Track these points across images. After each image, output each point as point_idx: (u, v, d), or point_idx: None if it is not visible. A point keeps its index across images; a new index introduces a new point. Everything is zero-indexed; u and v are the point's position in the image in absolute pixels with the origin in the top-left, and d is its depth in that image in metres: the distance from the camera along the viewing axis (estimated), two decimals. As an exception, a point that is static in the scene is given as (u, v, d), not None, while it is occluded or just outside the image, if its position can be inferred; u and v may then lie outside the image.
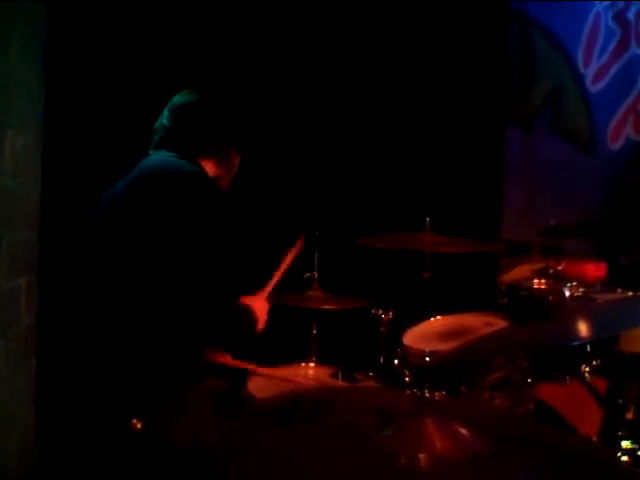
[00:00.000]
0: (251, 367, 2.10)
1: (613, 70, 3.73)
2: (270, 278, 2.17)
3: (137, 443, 1.66)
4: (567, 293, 2.17)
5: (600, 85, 3.74)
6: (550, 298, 2.26)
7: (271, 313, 2.00)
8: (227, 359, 2.14)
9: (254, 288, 2.07)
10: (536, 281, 2.43)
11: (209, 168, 2.02)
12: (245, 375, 2.04)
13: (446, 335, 2.11)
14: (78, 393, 1.81)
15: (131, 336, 1.77)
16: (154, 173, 1.86)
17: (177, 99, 2.06)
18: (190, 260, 1.74)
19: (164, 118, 2.04)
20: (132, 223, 1.79)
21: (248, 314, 1.90)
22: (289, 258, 2.26)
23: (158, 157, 1.95)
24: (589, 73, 3.75)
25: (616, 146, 3.73)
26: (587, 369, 1.76)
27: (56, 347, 1.98)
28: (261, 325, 1.94)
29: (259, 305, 1.96)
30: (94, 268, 1.85)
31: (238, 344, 1.97)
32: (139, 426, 1.65)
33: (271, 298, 2.07)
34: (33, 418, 2.12)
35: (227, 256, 1.83)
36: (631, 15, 3.74)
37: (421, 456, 0.93)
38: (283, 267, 2.23)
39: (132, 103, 2.63)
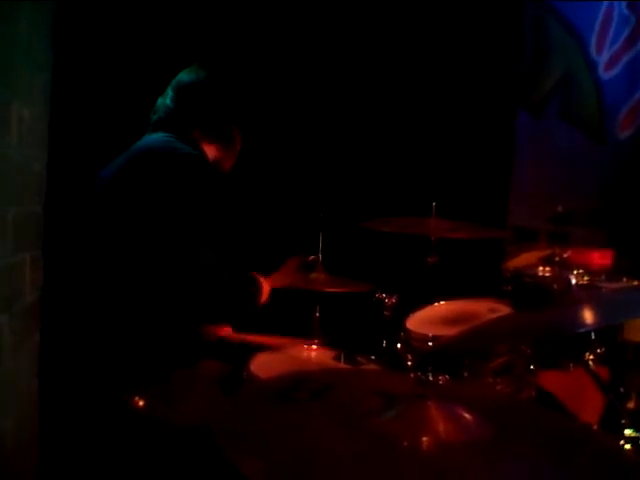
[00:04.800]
0: (253, 338, 2.11)
1: (626, 58, 3.69)
2: (274, 264, 2.17)
3: (138, 420, 1.67)
4: (572, 281, 2.16)
5: (612, 72, 3.70)
6: (555, 286, 2.25)
7: (274, 294, 2.01)
8: (228, 332, 2.15)
9: (260, 266, 2.07)
10: (541, 268, 2.42)
11: (211, 151, 2.00)
12: (246, 356, 2.04)
13: (449, 320, 2.11)
14: (81, 370, 1.81)
15: (134, 314, 1.78)
16: (152, 154, 1.85)
17: (182, 78, 2.01)
18: (186, 243, 1.74)
19: (167, 98, 1.99)
20: (129, 204, 1.79)
21: (254, 281, 1.93)
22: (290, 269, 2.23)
23: (156, 138, 1.92)
24: (601, 60, 3.71)
25: (627, 134, 3.70)
26: (591, 357, 1.76)
27: (60, 323, 1.98)
28: (264, 298, 1.95)
29: (263, 280, 1.98)
30: (95, 246, 1.85)
31: (241, 313, 1.97)
32: (141, 404, 1.65)
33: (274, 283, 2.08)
34: (35, 392, 2.13)
35: (227, 238, 1.83)
36: (645, 3, 3.69)
37: (424, 439, 0.93)
38: (285, 275, 2.21)
39: (140, 77, 2.61)
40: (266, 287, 1.97)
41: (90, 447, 1.72)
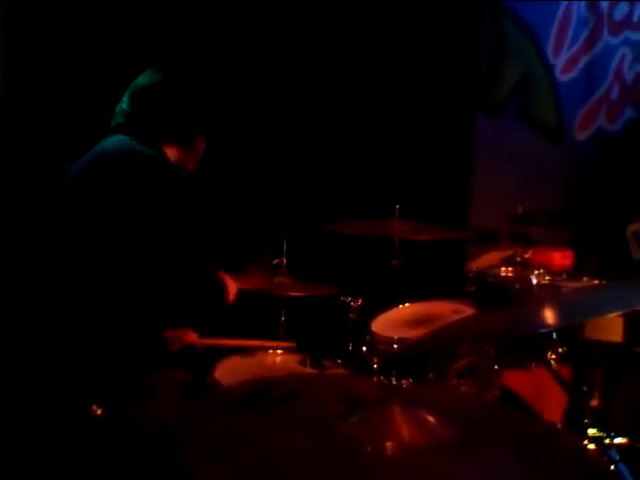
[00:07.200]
0: (220, 342, 2.09)
1: (584, 60, 3.76)
2: (238, 268, 2.15)
3: (98, 428, 1.64)
4: (534, 281, 2.19)
5: (570, 75, 3.77)
6: (517, 286, 2.28)
7: (240, 297, 1.99)
8: (194, 339, 2.13)
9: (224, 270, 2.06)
10: (503, 269, 2.44)
11: (172, 154, 2.00)
12: (210, 364, 2.01)
13: (414, 322, 2.12)
14: (39, 379, 1.77)
15: (95, 320, 1.75)
16: (112, 157, 1.84)
17: (138, 82, 2.00)
18: (149, 244, 1.74)
19: (124, 103, 1.98)
20: (90, 207, 1.77)
21: (219, 281, 1.91)
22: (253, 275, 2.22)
23: (115, 140, 1.91)
24: (559, 63, 3.77)
25: (584, 136, 3.77)
26: (553, 356, 1.78)
27: (15, 330, 1.93)
28: (230, 298, 1.93)
29: (229, 280, 1.96)
30: (53, 250, 1.82)
31: (206, 311, 1.95)
32: (99, 412, 1.62)
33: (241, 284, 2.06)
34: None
35: (191, 238, 1.82)
36: (604, 4, 3.77)
37: (388, 444, 0.92)
38: (252, 275, 2.19)
39: (93, 82, 2.57)
40: (232, 286, 1.95)
41: (50, 455, 1.68)
